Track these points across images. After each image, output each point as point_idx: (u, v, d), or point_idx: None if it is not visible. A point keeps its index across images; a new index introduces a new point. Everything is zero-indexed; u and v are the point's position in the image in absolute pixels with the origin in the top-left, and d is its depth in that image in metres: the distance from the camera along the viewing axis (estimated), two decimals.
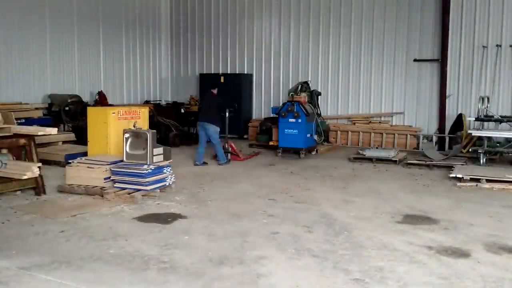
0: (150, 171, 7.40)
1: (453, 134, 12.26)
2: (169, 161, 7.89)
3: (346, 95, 14.56)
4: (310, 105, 12.44)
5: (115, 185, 7.57)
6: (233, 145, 11.36)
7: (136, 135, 7.71)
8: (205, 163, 10.61)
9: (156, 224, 6.18)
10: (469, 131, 10.93)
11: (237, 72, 15.99)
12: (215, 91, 11.00)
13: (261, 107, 15.78)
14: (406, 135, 13.36)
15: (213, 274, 4.56)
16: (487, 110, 11.01)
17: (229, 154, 11.03)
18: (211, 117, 10.51)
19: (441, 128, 13.10)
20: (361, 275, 4.54)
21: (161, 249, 5.20)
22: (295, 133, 11.57)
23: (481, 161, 10.30)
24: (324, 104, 14.47)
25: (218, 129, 10.53)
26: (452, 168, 9.44)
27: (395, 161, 10.88)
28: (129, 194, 7.33)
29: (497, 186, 8.39)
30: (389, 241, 5.55)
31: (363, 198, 7.72)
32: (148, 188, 7.42)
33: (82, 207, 6.88)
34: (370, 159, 11.08)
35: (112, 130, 8.58)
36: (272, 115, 13.54)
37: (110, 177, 7.59)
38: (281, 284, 4.38)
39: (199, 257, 4.97)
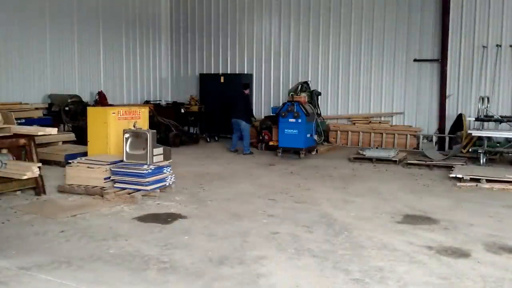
0: (150, 171, 7.40)
1: (453, 134, 12.26)
2: (169, 161, 7.90)
3: (346, 95, 14.56)
4: (310, 105, 12.44)
5: (115, 185, 7.57)
6: (268, 133, 13.02)
7: (136, 135, 7.71)
8: (251, 153, 12.22)
9: (156, 224, 6.18)
10: (469, 131, 10.93)
11: (237, 72, 15.98)
12: (246, 91, 12.73)
13: (261, 107, 15.77)
14: (406, 135, 13.36)
15: (213, 274, 4.56)
16: (487, 110, 11.01)
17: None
18: (243, 114, 12.27)
19: (441, 128, 13.10)
20: (361, 275, 4.54)
21: (161, 249, 5.20)
22: (295, 133, 11.57)
23: (481, 161, 10.31)
24: (324, 104, 14.47)
25: (249, 125, 12.36)
26: (452, 168, 9.44)
27: (395, 161, 10.88)
28: (129, 194, 7.33)
29: (497, 186, 8.39)
30: (389, 241, 5.55)
31: (363, 198, 7.72)
32: (148, 188, 7.42)
33: (82, 207, 6.88)
34: (370, 159, 11.08)
35: (112, 130, 8.58)
36: (272, 115, 13.55)
37: (110, 177, 7.59)
38: (281, 284, 4.38)
39: (199, 257, 4.97)
